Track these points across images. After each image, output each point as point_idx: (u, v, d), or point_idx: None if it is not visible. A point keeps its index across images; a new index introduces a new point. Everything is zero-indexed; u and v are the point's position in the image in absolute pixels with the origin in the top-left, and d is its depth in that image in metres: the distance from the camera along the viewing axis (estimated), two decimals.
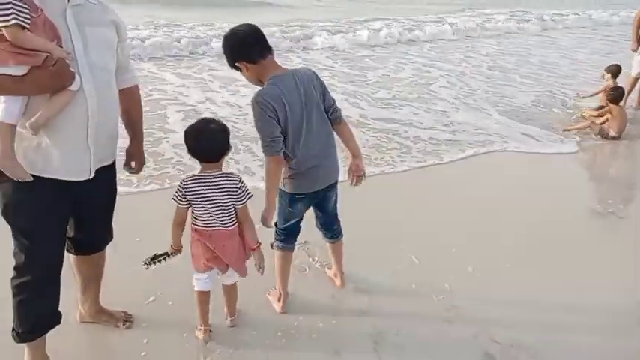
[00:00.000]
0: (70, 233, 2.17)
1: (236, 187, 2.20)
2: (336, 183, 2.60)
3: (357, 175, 2.55)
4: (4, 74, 1.61)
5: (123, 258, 2.60)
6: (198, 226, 2.22)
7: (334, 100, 2.45)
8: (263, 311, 2.68)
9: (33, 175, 1.80)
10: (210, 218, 2.20)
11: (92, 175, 1.94)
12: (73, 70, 1.73)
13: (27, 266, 1.93)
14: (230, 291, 2.48)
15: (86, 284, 2.39)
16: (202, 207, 2.17)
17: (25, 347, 2.08)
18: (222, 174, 2.20)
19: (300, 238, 2.73)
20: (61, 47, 1.71)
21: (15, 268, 1.95)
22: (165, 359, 2.29)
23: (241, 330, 2.52)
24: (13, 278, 1.97)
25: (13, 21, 1.56)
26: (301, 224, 2.64)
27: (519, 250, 3.38)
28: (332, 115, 2.44)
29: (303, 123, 2.29)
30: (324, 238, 2.83)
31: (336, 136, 2.52)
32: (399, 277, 3.02)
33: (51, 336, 2.12)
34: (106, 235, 2.29)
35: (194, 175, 2.19)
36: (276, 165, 2.28)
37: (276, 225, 2.59)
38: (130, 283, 2.63)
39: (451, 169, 4.81)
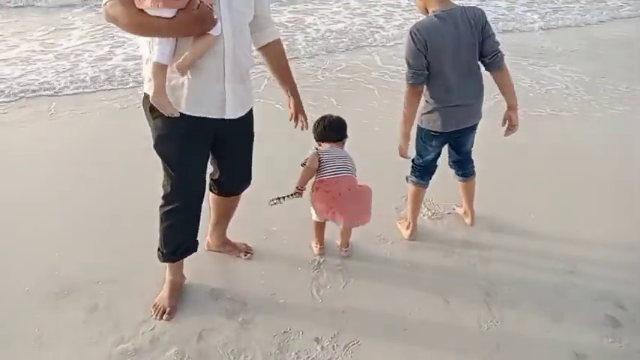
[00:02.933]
0: (215, 175, 2.38)
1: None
2: (475, 126, 2.61)
3: (510, 126, 2.54)
4: (159, 16, 1.77)
5: (248, 197, 2.81)
6: (326, 176, 2.44)
7: (498, 45, 2.41)
8: (374, 247, 2.78)
9: (179, 112, 1.98)
10: (338, 169, 2.46)
11: (228, 115, 2.07)
12: (215, 15, 1.84)
13: (172, 195, 2.15)
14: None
15: (218, 220, 2.61)
16: (333, 163, 2.48)
17: (166, 266, 2.36)
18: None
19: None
20: None
21: (163, 197, 2.18)
22: (281, 287, 2.46)
23: (353, 263, 2.64)
24: (161, 206, 2.20)
25: None
26: (438, 162, 2.72)
27: None
28: (490, 60, 2.40)
29: (451, 62, 2.34)
30: (455, 175, 2.85)
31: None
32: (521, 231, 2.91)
33: (185, 259, 2.38)
34: (245, 181, 2.45)
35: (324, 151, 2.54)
36: (414, 96, 2.42)
37: (413, 160, 2.73)
38: (252, 220, 2.83)
39: None
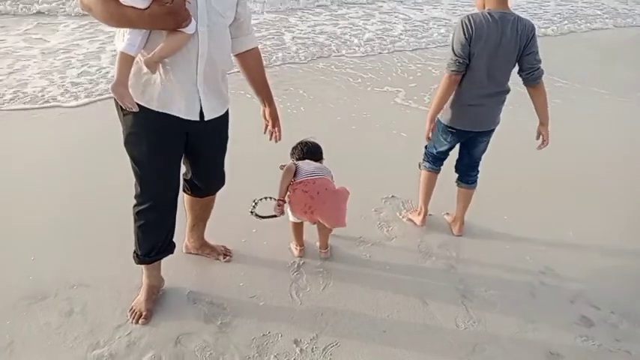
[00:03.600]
0: (187, 176, 2.36)
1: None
2: (491, 132, 2.69)
3: (542, 142, 2.65)
4: (131, 6, 1.74)
5: (226, 199, 2.79)
6: (304, 177, 2.48)
7: (538, 63, 2.46)
8: (353, 249, 2.79)
9: (150, 110, 1.95)
10: (314, 172, 2.51)
11: (201, 117, 2.04)
12: (189, 12, 1.81)
13: (143, 195, 2.12)
14: (323, 227, 2.60)
15: (195, 222, 2.59)
16: (307, 166, 2.57)
17: (142, 269, 2.32)
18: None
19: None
20: None
21: (135, 197, 2.15)
22: (260, 290, 2.45)
23: (333, 265, 2.65)
24: (134, 206, 2.17)
25: None
26: (450, 152, 2.82)
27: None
28: (527, 75, 2.48)
29: (486, 62, 2.42)
30: (457, 181, 2.90)
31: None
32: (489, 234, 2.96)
33: (162, 261, 2.34)
34: (218, 182, 2.43)
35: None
36: (451, 84, 2.49)
37: (426, 147, 2.84)
38: (230, 222, 2.81)
39: None
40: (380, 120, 4.60)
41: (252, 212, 2.42)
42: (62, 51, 5.79)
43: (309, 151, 2.68)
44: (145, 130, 2.01)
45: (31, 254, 2.58)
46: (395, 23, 8.25)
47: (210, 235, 2.69)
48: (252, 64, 2.27)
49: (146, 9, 1.75)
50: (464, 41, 2.39)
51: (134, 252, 2.27)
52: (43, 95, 4.61)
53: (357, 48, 6.86)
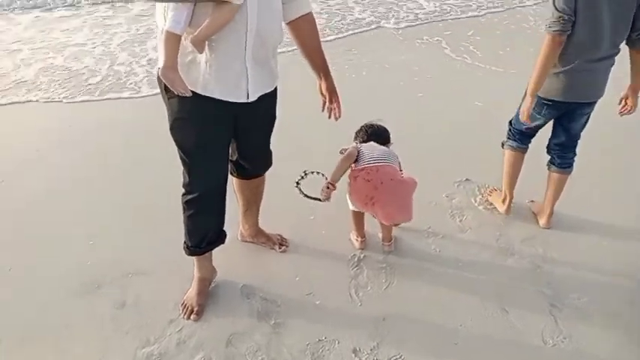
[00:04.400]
0: (233, 157, 2.18)
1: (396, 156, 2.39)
2: (594, 104, 2.29)
3: (627, 107, 2.30)
4: None
5: (282, 184, 2.60)
6: (366, 164, 2.22)
7: None
8: (421, 242, 2.51)
9: (196, 93, 1.77)
10: (377, 158, 2.23)
11: (250, 98, 1.84)
12: None
13: (192, 184, 1.98)
14: None
15: (247, 207, 2.43)
16: (372, 151, 2.27)
17: (194, 260, 2.21)
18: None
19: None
20: None
21: (183, 186, 2.02)
22: (317, 286, 2.26)
23: (397, 260, 2.39)
24: (182, 195, 2.04)
25: None
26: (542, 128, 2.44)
27: None
28: (636, 37, 2.11)
29: (598, 21, 2.03)
30: (548, 164, 2.51)
31: None
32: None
33: (215, 251, 2.21)
34: (265, 161, 2.25)
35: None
36: (556, 47, 2.07)
37: (511, 123, 2.47)
38: (287, 209, 2.62)
39: None
40: (447, 84, 4.17)
41: (297, 185, 2.24)
42: None
43: (375, 133, 2.41)
44: (192, 115, 1.84)
45: (88, 240, 2.56)
46: None
47: (266, 223, 2.52)
48: (306, 33, 2.01)
49: None
50: None
51: (184, 243, 2.16)
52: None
53: None
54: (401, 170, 2.26)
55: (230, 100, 1.82)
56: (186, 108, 1.81)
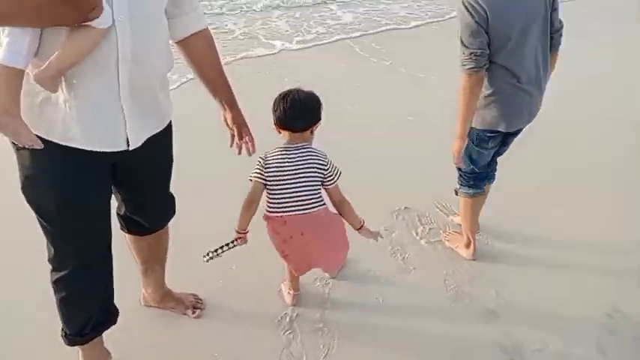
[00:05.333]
0: (121, 211, 1.72)
1: (324, 161, 1.79)
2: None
3: None
4: None
5: (189, 226, 2.14)
6: (270, 211, 1.77)
7: (561, 25, 1.97)
8: (361, 289, 2.17)
9: (53, 143, 1.31)
10: (286, 198, 1.74)
11: (131, 146, 1.40)
12: None
13: (59, 258, 1.51)
14: None
15: (147, 266, 1.95)
16: (279, 183, 1.75)
17: (77, 349, 1.70)
18: (308, 147, 1.80)
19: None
20: None
21: (49, 260, 1.53)
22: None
23: (336, 317, 2.02)
24: (50, 272, 1.55)
25: None
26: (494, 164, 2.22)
27: None
28: (553, 39, 1.97)
29: (522, 37, 1.84)
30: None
31: None
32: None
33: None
34: (164, 212, 1.80)
35: (277, 148, 1.79)
36: (475, 85, 1.86)
37: (459, 167, 2.16)
38: (199, 261, 2.16)
39: None
40: (374, 95, 3.91)
41: (205, 258, 1.83)
42: None
43: (295, 110, 1.74)
44: (50, 172, 1.36)
45: None
46: None
47: (173, 280, 2.05)
48: (201, 53, 1.60)
49: None
50: (475, 27, 1.77)
51: (61, 330, 1.65)
52: None
53: None
54: (326, 180, 1.78)
55: (102, 150, 1.36)
56: (41, 163, 1.34)
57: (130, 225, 1.77)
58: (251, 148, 1.77)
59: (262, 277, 2.16)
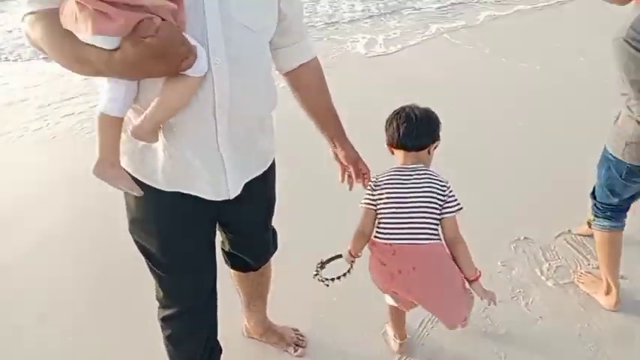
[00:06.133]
0: (225, 247, 1.67)
1: (443, 187, 1.55)
2: None
3: None
4: (93, 45, 0.97)
5: (291, 258, 2.04)
6: (378, 237, 1.57)
7: None
8: (477, 341, 1.91)
9: (157, 189, 1.26)
10: (397, 225, 1.53)
11: (232, 194, 1.31)
12: (192, 43, 1.00)
13: (167, 298, 1.49)
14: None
15: (250, 301, 1.90)
16: (390, 208, 1.54)
17: None
18: (425, 169, 1.59)
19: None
20: None
21: (156, 299, 1.52)
22: None
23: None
24: (157, 309, 1.54)
25: None
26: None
27: None
28: None
29: None
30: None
31: None
32: None
33: None
34: (265, 250, 1.72)
35: (390, 169, 1.61)
36: None
37: (594, 196, 1.92)
38: (302, 291, 2.06)
39: None
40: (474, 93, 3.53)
41: (316, 276, 1.68)
42: None
43: (407, 134, 1.57)
44: (155, 216, 1.32)
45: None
46: None
47: (275, 314, 1.97)
48: (308, 84, 1.46)
49: (116, 50, 0.96)
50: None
51: None
52: None
53: None
54: (443, 209, 1.54)
55: (204, 197, 1.29)
56: (147, 206, 1.30)
57: (233, 261, 1.72)
58: (367, 178, 1.62)
59: (365, 312, 2.00)
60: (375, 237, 1.58)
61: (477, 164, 2.90)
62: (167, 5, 0.95)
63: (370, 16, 5.64)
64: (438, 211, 1.53)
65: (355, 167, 1.59)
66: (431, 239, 1.52)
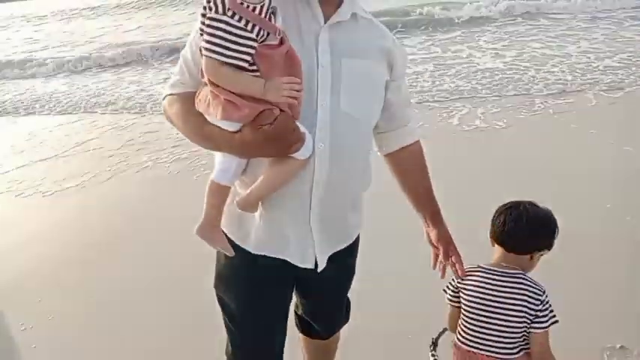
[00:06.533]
0: (299, 310, 1.74)
1: (537, 297, 1.42)
2: None
3: None
4: (218, 126, 1.15)
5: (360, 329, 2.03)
6: (461, 340, 1.51)
7: None
8: None
9: (247, 251, 1.37)
10: (481, 333, 1.46)
11: (319, 267, 1.39)
12: (301, 130, 1.14)
13: (237, 355, 1.56)
14: None
15: None
16: (474, 312, 1.47)
17: None
18: (521, 275, 1.46)
19: None
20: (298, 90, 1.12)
21: (226, 354, 1.59)
22: None
23: None
24: None
25: (213, 55, 1.05)
26: None
27: None
28: None
29: None
30: None
31: None
32: None
33: None
34: (338, 320, 1.76)
35: (480, 266, 1.53)
36: None
37: None
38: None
39: None
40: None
41: (433, 356, 1.65)
42: None
43: (513, 233, 1.47)
44: (240, 275, 1.43)
45: None
46: None
47: None
48: (410, 167, 1.53)
49: (237, 132, 1.13)
50: None
51: None
52: None
53: None
54: (533, 322, 1.42)
55: (291, 262, 1.38)
56: (234, 263, 1.40)
57: (303, 325, 1.77)
58: (459, 271, 1.53)
59: None
60: (459, 339, 1.53)
61: (569, 256, 2.70)
62: (287, 100, 1.10)
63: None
64: (526, 323, 1.43)
65: (445, 249, 1.56)
66: (512, 352, 1.44)
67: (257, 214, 1.31)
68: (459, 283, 1.53)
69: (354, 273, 1.64)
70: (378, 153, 1.52)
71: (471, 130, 4.65)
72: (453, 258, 1.54)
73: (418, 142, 1.52)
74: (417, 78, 6.14)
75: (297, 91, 1.10)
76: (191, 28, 1.23)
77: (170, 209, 3.49)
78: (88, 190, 4.10)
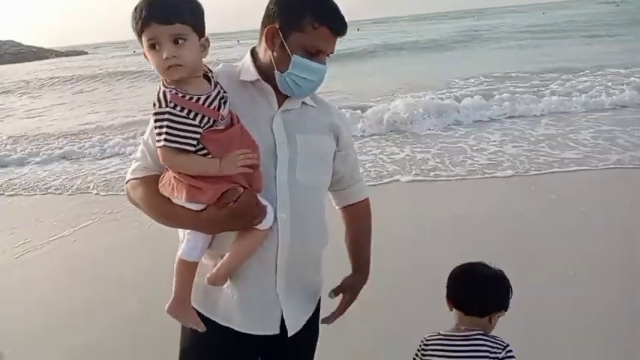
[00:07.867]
0: None
1: (498, 349, 1.41)
2: None
3: None
4: (183, 207, 1.23)
5: None
6: None
7: None
8: None
9: (214, 322, 1.40)
10: None
11: (289, 332, 1.43)
12: (263, 203, 1.25)
13: None
14: None
15: None
16: None
17: None
18: (482, 337, 1.45)
19: None
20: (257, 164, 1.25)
21: None
22: None
23: None
24: None
25: (162, 142, 1.16)
26: None
27: None
28: None
29: None
30: None
31: None
32: None
33: None
34: None
35: (440, 334, 1.51)
36: None
37: None
38: None
39: None
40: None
41: None
42: None
43: (471, 297, 1.47)
44: (204, 344, 1.44)
45: None
46: None
47: None
48: (359, 220, 1.65)
49: (202, 211, 1.22)
50: None
51: None
52: None
53: None
54: None
55: (254, 334, 1.42)
56: (200, 336, 1.41)
57: None
58: (332, 320, 1.61)
59: None
60: None
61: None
62: (244, 170, 1.20)
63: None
64: None
65: (348, 297, 1.61)
66: None
67: (225, 285, 1.36)
68: (423, 353, 1.51)
69: (317, 335, 1.65)
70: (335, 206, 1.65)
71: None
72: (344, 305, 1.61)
73: (367, 199, 1.66)
74: None
75: (251, 159, 1.20)
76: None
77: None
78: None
